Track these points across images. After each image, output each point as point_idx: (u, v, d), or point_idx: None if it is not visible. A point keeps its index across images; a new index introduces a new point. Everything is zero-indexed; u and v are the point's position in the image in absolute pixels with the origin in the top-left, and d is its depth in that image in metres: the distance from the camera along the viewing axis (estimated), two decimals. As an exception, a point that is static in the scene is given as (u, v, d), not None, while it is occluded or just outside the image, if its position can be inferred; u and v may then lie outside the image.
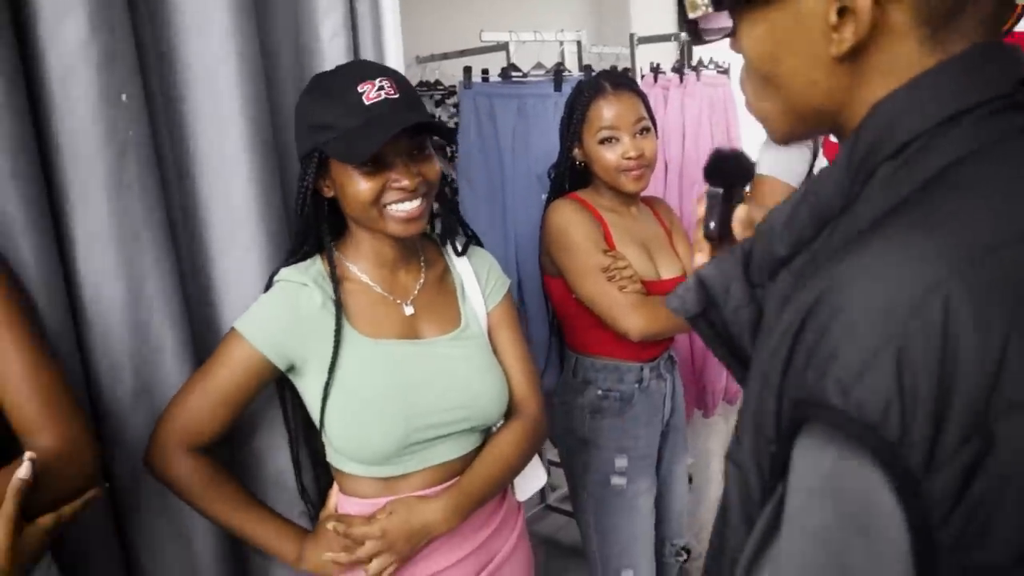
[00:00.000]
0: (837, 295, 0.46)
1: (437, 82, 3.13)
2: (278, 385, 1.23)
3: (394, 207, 1.11)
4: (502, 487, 1.26)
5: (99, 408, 1.14)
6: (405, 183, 1.10)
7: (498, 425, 1.27)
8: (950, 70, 0.53)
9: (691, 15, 0.65)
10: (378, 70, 1.12)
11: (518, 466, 1.27)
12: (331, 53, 1.33)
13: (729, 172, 0.85)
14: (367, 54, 1.39)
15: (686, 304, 0.68)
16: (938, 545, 0.44)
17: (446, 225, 1.31)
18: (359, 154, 1.05)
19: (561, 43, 2.96)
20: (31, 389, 0.93)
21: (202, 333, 1.26)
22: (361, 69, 1.12)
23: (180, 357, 1.18)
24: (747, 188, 0.87)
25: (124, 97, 1.08)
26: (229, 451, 1.26)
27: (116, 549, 1.19)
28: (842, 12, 0.54)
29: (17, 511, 0.84)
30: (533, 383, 1.31)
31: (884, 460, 0.43)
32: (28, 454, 0.87)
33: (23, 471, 0.85)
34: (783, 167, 2.24)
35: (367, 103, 1.07)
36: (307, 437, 1.28)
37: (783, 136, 0.64)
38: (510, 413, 1.28)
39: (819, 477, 0.47)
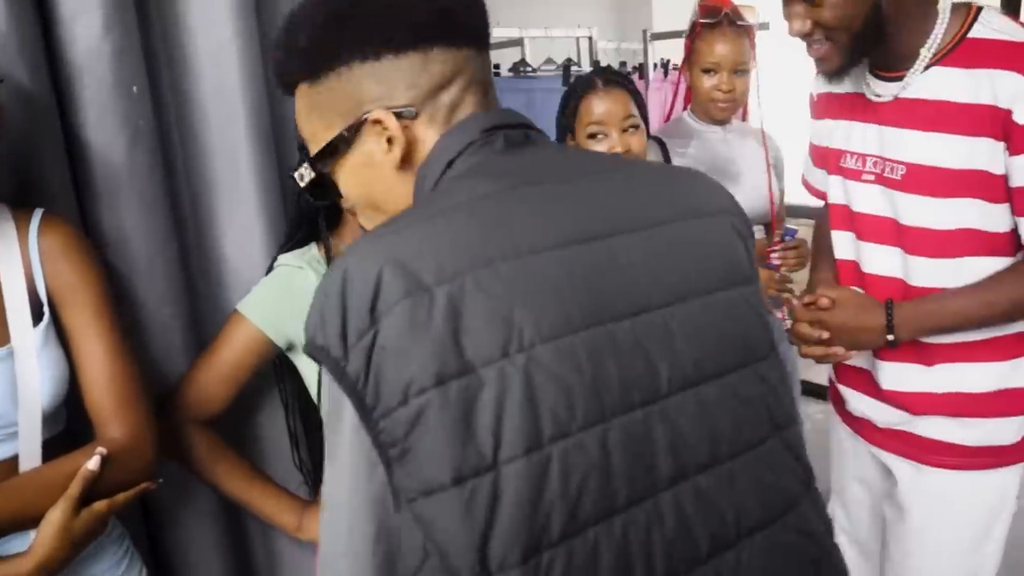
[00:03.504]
0: None
1: (455, 76, 3.21)
2: (274, 363, 1.31)
3: None
4: None
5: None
6: None
7: None
8: (442, 142, 0.79)
9: None
10: None
11: None
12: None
13: None
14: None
15: None
16: (367, 406, 0.66)
17: None
18: None
19: (577, 39, 3.04)
20: (108, 382, 1.01)
21: (208, 314, 1.35)
22: None
23: (186, 339, 1.28)
24: None
25: (135, 89, 1.18)
26: (235, 427, 1.35)
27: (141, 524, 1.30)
28: (389, 140, 0.79)
29: (80, 496, 0.93)
30: None
31: (322, 358, 0.68)
32: (99, 449, 0.96)
33: (92, 463, 0.94)
34: None
35: None
36: (303, 411, 1.36)
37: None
38: None
39: None
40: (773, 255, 1.94)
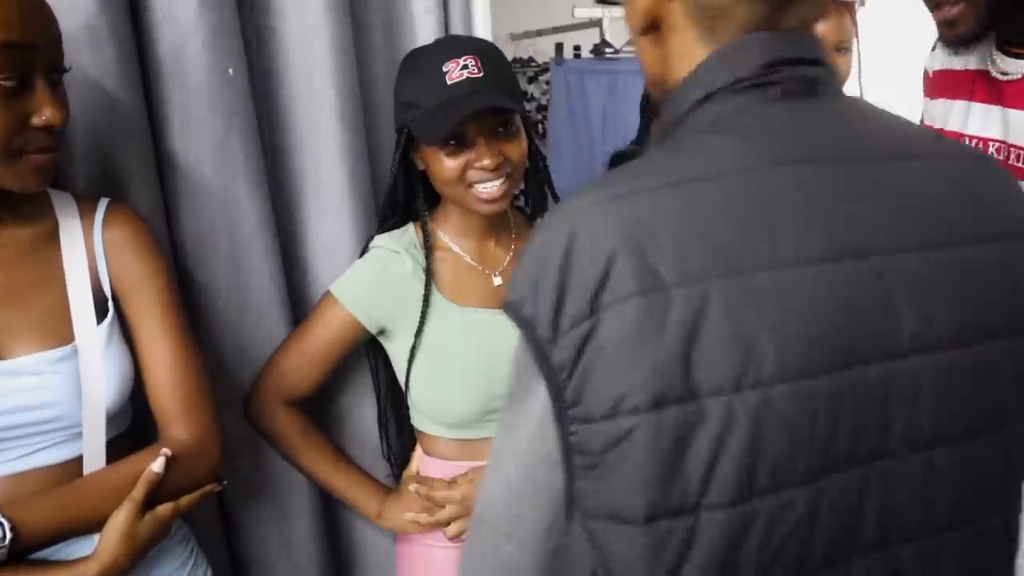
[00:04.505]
0: None
1: (531, 59, 3.15)
2: (368, 349, 1.28)
3: (478, 187, 1.12)
4: None
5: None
6: (486, 162, 1.10)
7: None
8: (710, 61, 0.67)
9: None
10: (468, 47, 1.12)
11: None
12: (422, 29, 1.36)
13: None
14: (457, 31, 1.42)
15: None
16: (565, 402, 0.59)
17: (536, 202, 1.31)
18: (434, 134, 1.08)
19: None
20: (173, 382, 0.98)
21: (297, 296, 1.33)
22: (451, 46, 1.13)
23: (278, 318, 1.26)
24: None
25: (231, 71, 1.15)
26: (321, 410, 1.33)
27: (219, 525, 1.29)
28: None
29: (144, 499, 0.91)
30: None
31: (525, 331, 0.60)
32: (164, 450, 0.93)
33: (157, 465, 0.92)
34: None
35: (449, 82, 1.08)
36: (395, 401, 1.32)
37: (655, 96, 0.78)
38: None
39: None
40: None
